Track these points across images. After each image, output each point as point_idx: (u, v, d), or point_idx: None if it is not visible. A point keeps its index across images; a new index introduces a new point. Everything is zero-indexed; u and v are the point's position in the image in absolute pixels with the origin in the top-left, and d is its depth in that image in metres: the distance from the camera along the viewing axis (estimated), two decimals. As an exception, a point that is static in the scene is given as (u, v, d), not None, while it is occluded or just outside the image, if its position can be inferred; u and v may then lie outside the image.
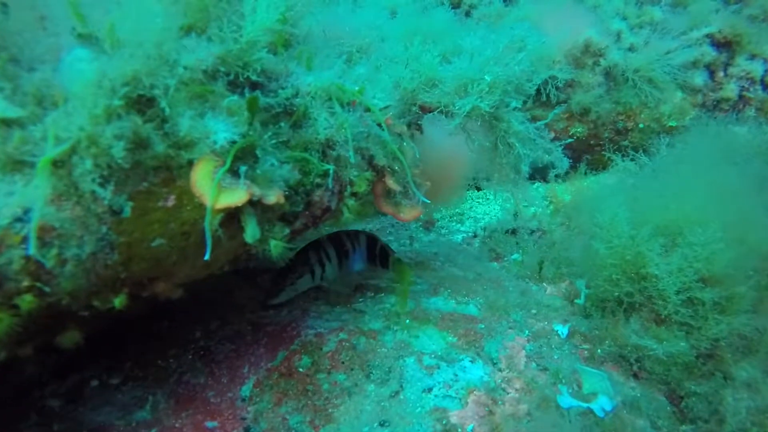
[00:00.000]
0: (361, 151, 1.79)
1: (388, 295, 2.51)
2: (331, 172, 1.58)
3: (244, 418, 1.72)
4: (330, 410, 1.74)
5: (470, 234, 4.21)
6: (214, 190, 1.16)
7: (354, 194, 1.75)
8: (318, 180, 1.56)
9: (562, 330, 2.35)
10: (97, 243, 1.08)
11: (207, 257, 1.18)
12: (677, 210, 2.22)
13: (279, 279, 2.15)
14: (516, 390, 1.89)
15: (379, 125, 1.89)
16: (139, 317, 2.09)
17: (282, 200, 1.31)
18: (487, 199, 4.86)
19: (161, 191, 1.20)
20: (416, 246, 4.09)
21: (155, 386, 1.85)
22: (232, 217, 1.27)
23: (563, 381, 1.94)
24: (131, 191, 1.15)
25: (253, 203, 1.25)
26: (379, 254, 2.49)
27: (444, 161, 3.00)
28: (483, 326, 2.21)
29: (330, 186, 1.59)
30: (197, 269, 1.34)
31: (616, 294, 2.26)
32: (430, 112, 2.43)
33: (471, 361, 1.98)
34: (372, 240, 2.48)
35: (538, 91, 4.09)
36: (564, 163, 2.31)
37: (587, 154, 4.55)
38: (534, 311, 2.55)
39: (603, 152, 4.46)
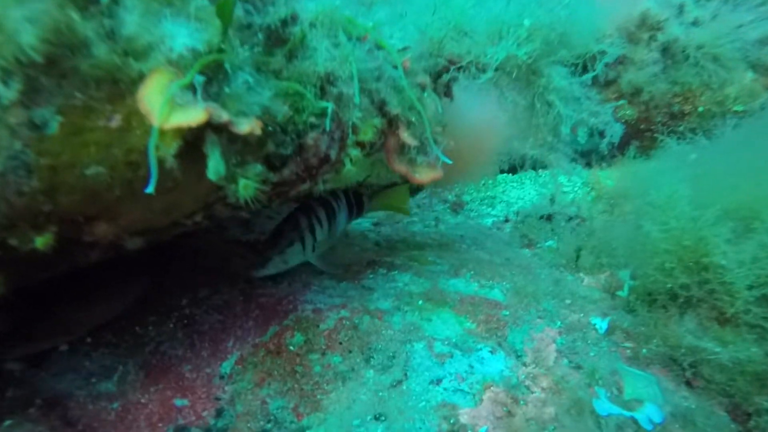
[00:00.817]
0: (370, 93, 1.50)
1: (401, 273, 2.24)
2: (329, 111, 1.30)
3: (218, 399, 1.48)
4: (319, 396, 1.48)
5: (501, 218, 3.89)
6: (164, 106, 0.90)
7: (359, 144, 1.47)
8: (313, 120, 1.29)
9: (601, 324, 2.02)
10: (6, 162, 0.85)
11: (150, 189, 0.92)
12: (752, 190, 1.85)
13: (266, 246, 1.89)
14: (542, 389, 1.59)
15: (395, 68, 1.60)
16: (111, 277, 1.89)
17: (258, 130, 1.04)
18: (522, 183, 4.50)
19: (104, 108, 0.95)
20: (441, 228, 3.79)
21: (127, 355, 1.64)
22: (193, 147, 1.01)
23: (600, 383, 1.62)
24: (61, 103, 0.91)
25: (217, 129, 0.99)
26: (355, 203, 2.21)
27: (474, 133, 2.67)
28: (508, 313, 1.90)
29: (328, 128, 1.32)
30: (154, 214, 1.10)
31: (669, 286, 1.91)
32: (459, 67, 2.12)
33: (491, 352, 1.69)
34: (347, 191, 2.18)
35: (583, 66, 3.70)
36: (617, 130, 1.97)
37: (636, 139, 4.12)
38: (568, 301, 2.23)
39: (655, 136, 4.02)
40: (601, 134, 2.13)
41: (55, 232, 0.96)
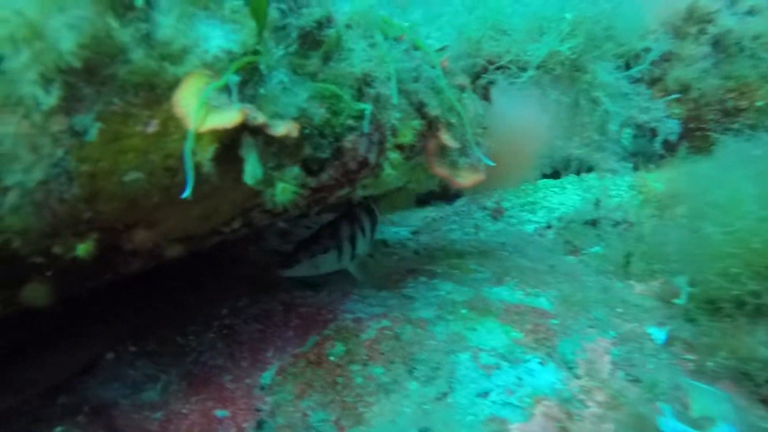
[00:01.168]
0: (408, 94, 1.46)
1: (443, 282, 2.17)
2: (367, 112, 1.27)
3: (259, 410, 1.45)
4: (361, 409, 1.43)
5: (543, 224, 3.75)
6: (199, 108, 0.88)
7: (399, 147, 1.43)
8: (350, 122, 1.26)
9: (658, 334, 1.89)
10: (49, 170, 0.84)
11: (187, 194, 0.90)
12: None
13: (298, 248, 1.84)
14: (598, 403, 1.48)
15: (433, 68, 1.56)
16: (157, 287, 1.90)
17: (295, 132, 1.01)
18: (564, 188, 4.34)
19: (141, 114, 0.94)
20: (482, 235, 3.69)
21: (170, 364, 1.63)
22: (230, 151, 0.99)
23: (663, 398, 1.50)
24: (101, 110, 0.90)
25: (254, 131, 0.97)
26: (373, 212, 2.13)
27: (514, 136, 2.59)
28: (556, 322, 1.80)
29: (366, 130, 1.28)
30: (192, 220, 1.08)
31: (736, 293, 1.77)
32: (498, 67, 2.06)
33: (540, 363, 1.59)
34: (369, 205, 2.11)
35: (626, 65, 3.55)
36: (672, 127, 1.85)
37: (685, 139, 3.91)
38: (620, 310, 2.10)
39: (707, 134, 3.79)
40: (653, 132, 2.01)
41: (95, 240, 0.95)
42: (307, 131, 1.14)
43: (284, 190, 1.02)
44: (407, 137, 1.40)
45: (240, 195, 1.12)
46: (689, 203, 2.74)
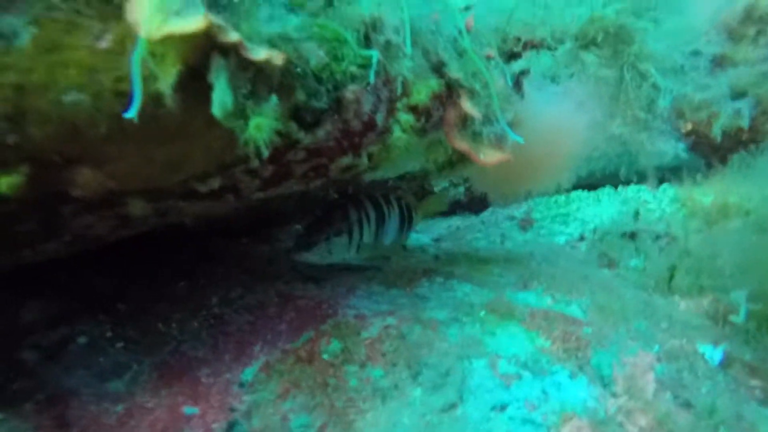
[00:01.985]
0: (425, 50, 1.27)
1: (461, 283, 1.94)
2: (374, 59, 1.08)
3: (233, 409, 1.24)
4: (352, 416, 1.21)
5: (576, 236, 3.48)
6: (153, 10, 0.71)
7: (412, 109, 1.23)
8: (354, 69, 1.07)
9: (713, 354, 1.61)
10: (-41, 73, 0.68)
11: (132, 114, 0.73)
12: None
13: (313, 230, 1.68)
14: (640, 429, 1.22)
15: (457, 30, 1.37)
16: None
17: (279, 61, 0.83)
18: (599, 200, 4.06)
19: (92, 26, 0.77)
20: (508, 245, 3.44)
21: (145, 353, 1.45)
22: (197, 79, 0.81)
23: (723, 428, 1.23)
24: (39, 14, 0.74)
25: (225, 50, 0.79)
26: (408, 216, 1.97)
27: (548, 135, 2.37)
28: (590, 331, 1.55)
29: (372, 80, 1.08)
30: (156, 167, 0.90)
31: (810, 307, 1.49)
32: (532, 47, 1.85)
33: (570, 376, 1.34)
34: (400, 201, 1.95)
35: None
36: (739, 110, 1.59)
37: (734, 152, 3.58)
38: (664, 325, 1.83)
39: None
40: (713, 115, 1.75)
41: (27, 176, 0.78)
42: (299, 70, 0.96)
43: (259, 126, 0.82)
44: (422, 96, 1.20)
45: (215, 141, 0.94)
46: (752, 214, 2.45)
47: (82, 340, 1.51)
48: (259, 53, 0.81)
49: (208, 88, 0.84)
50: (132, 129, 0.81)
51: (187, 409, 1.23)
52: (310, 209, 2.43)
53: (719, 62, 3.54)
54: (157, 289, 1.76)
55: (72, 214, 0.94)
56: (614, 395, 1.32)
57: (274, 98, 0.84)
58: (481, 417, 1.19)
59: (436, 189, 3.94)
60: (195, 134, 0.90)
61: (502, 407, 1.22)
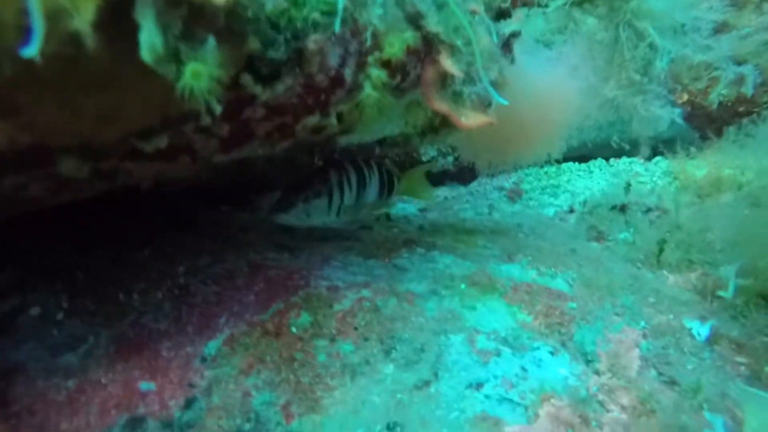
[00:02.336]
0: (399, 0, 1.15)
1: (443, 255, 1.86)
2: (339, 5, 0.96)
3: (192, 385, 1.17)
4: (319, 393, 1.14)
5: (565, 208, 3.40)
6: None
7: (385, 64, 1.12)
8: (316, 16, 0.95)
9: (700, 329, 1.55)
10: None
11: (32, 52, 0.61)
12: None
13: (291, 192, 1.60)
14: (622, 408, 1.16)
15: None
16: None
17: (221, 0, 0.71)
18: (591, 172, 3.97)
19: (-7, -54, 0.65)
20: (496, 215, 3.37)
21: (103, 325, 1.36)
22: (122, 16, 0.69)
23: (707, 406, 1.17)
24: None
25: (151, -20, 0.67)
26: (387, 182, 1.90)
27: (539, 102, 2.25)
28: (575, 306, 1.48)
29: (337, 29, 0.97)
30: (86, 120, 0.79)
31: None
32: (523, 4, 1.72)
33: (551, 352, 1.28)
34: (381, 167, 1.88)
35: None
36: (742, 74, 1.49)
37: (730, 124, 3.48)
38: (652, 299, 1.76)
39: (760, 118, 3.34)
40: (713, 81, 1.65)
41: None
42: (250, 14, 0.84)
43: (197, 73, 0.71)
44: (395, 49, 1.09)
45: (155, 92, 0.82)
46: (745, 187, 2.38)
47: (34, 311, 1.42)
48: (194, -16, 0.69)
49: (135, 28, 0.72)
50: (47, 74, 0.69)
51: (144, 385, 1.16)
52: (294, 176, 2.33)
53: (720, 29, 3.40)
54: (119, 258, 1.66)
55: (-5, 174, 0.83)
56: (597, 373, 1.25)
57: (211, 40, 0.72)
58: (455, 395, 1.12)
59: (423, 158, 3.83)
60: (128, 82, 0.78)
61: (479, 385, 1.15)
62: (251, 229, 2.09)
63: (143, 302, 1.45)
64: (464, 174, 4.12)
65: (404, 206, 3.38)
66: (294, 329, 1.31)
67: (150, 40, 0.67)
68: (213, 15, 0.74)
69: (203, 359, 1.25)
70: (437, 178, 4.04)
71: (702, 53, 1.42)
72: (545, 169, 3.91)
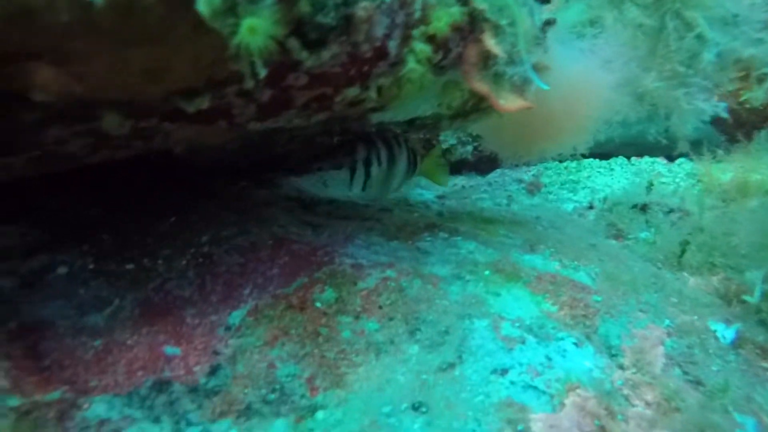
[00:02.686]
0: (451, -27, 1.12)
1: (466, 241, 1.84)
2: (392, -25, 0.93)
3: (217, 353, 1.17)
4: (343, 369, 1.13)
5: (584, 204, 3.37)
6: None
7: (430, 39, 1.09)
8: (369, -17, 0.92)
9: (725, 332, 1.53)
10: None
11: (95, -3, 0.60)
12: None
13: (309, 158, 1.58)
14: (647, 404, 1.15)
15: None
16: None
17: (280, -46, 0.69)
18: (612, 169, 3.93)
19: None
20: (514, 207, 3.34)
21: (128, 288, 1.37)
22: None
23: (734, 408, 1.15)
24: None
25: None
26: (413, 160, 1.89)
27: (569, 93, 2.21)
28: (600, 299, 1.46)
29: (388, 0, 0.94)
30: (133, 74, 0.78)
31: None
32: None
33: (576, 344, 1.26)
34: (408, 144, 1.85)
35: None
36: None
37: (760, 129, 3.40)
38: (675, 299, 1.74)
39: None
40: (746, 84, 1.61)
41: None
42: (303, -25, 0.82)
43: (253, 28, 0.70)
44: (441, 24, 1.06)
45: (204, 50, 0.81)
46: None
47: (62, 270, 1.43)
48: (258, -61, 0.67)
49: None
50: (103, 22, 0.68)
51: (168, 349, 1.16)
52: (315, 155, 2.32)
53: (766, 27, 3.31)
54: (145, 223, 1.66)
55: (37, 124, 0.82)
56: (621, 367, 1.24)
57: (282, 10, 0.71)
58: (480, 379, 1.11)
59: (443, 146, 3.80)
60: (179, 38, 0.77)
61: (503, 371, 1.14)
62: (273, 204, 2.09)
63: (168, 268, 1.46)
64: (482, 164, 4.09)
65: (422, 191, 3.36)
66: (319, 304, 1.31)
67: (209, -7, 0.66)
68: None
69: (227, 328, 1.25)
70: (455, 167, 4.01)
71: (752, 47, 1.38)
72: (566, 164, 3.87)
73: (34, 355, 1.09)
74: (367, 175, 1.61)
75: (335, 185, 1.61)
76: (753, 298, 1.76)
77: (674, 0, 1.34)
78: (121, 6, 0.67)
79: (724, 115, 1.78)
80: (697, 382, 1.25)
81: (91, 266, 1.46)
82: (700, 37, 1.29)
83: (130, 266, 1.46)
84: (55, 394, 1.03)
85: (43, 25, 0.65)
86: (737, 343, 1.50)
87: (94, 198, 1.71)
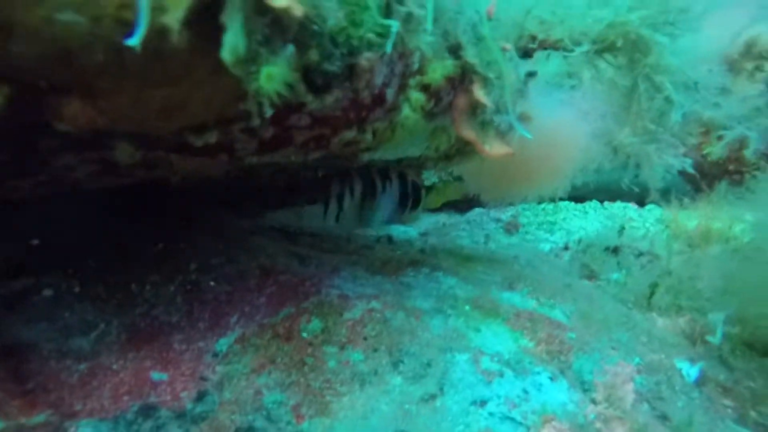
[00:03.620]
0: (444, 30, 1.22)
1: (447, 276, 1.91)
2: (393, 29, 1.02)
3: (204, 379, 1.19)
4: (328, 398, 1.16)
5: (560, 245, 3.49)
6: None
7: (425, 87, 1.18)
8: (372, 37, 1.01)
9: (689, 370, 1.61)
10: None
11: (135, 41, 0.66)
12: None
13: (285, 194, 1.64)
14: (617, 438, 1.21)
15: (477, 14, 1.32)
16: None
17: (299, 12, 0.77)
18: (586, 212, 4.09)
19: (98, -57, 0.70)
20: (492, 245, 3.43)
21: (114, 313, 1.38)
22: (209, 16, 0.75)
23: (698, 443, 1.22)
24: None
25: (243, -10, 0.73)
26: (412, 194, 1.95)
27: (549, 139, 2.36)
28: (574, 336, 1.53)
29: (389, 50, 1.03)
30: (150, 109, 0.83)
31: (791, 334, 1.50)
32: (548, 46, 1.81)
33: (551, 378, 1.32)
34: (403, 178, 1.92)
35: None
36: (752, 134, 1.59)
37: (720, 180, 3.62)
38: (644, 339, 1.83)
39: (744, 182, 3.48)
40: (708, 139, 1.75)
41: (7, 98, 0.71)
42: (316, 28, 0.90)
43: (271, 76, 0.77)
44: (437, 75, 1.16)
45: (219, 91, 0.88)
46: (732, 241, 2.49)
47: (47, 292, 1.43)
48: (280, 0, 0.75)
49: (218, 30, 0.78)
50: (132, 62, 0.74)
51: (155, 375, 1.17)
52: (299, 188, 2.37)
53: (722, 91, 3.57)
54: (133, 248, 1.68)
55: (52, 151, 0.87)
56: (594, 402, 1.30)
57: (291, 47, 0.78)
58: (460, 410, 1.16)
59: (426, 183, 3.91)
60: (198, 80, 0.83)
61: (483, 403, 1.19)
62: (259, 233, 2.13)
63: (155, 295, 1.47)
64: (462, 202, 4.20)
65: (406, 229, 3.44)
66: (305, 334, 1.34)
67: (234, 42, 0.73)
68: (290, 26, 0.80)
69: (215, 355, 1.27)
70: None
71: (711, 110, 1.52)
72: (543, 205, 4.02)
73: (18, 378, 1.09)
74: (341, 208, 1.68)
75: (309, 218, 1.67)
76: (715, 339, 1.85)
77: (645, 65, 1.47)
78: (150, 49, 0.74)
79: (690, 170, 1.93)
80: (664, 417, 1.31)
81: (76, 289, 1.46)
82: (667, 99, 1.42)
83: (116, 291, 1.47)
84: (41, 417, 1.03)
85: (79, 64, 0.71)
86: (701, 381, 1.58)
87: (82, 222, 1.72)
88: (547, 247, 3.40)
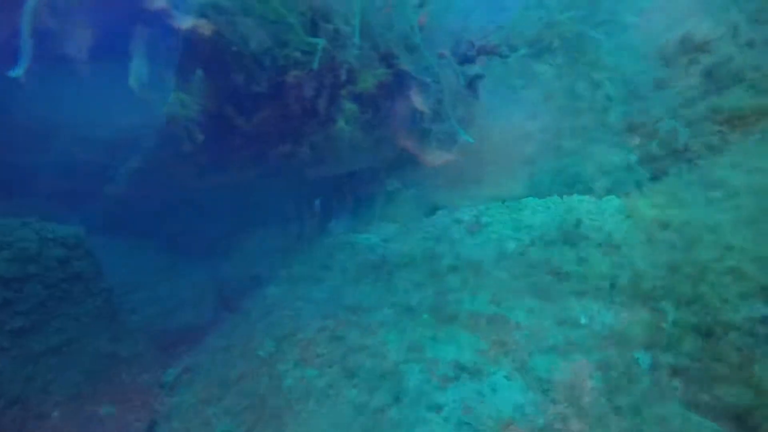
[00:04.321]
0: (374, 40, 1.22)
1: (405, 283, 1.91)
2: (319, 47, 1.02)
3: (155, 410, 1.15)
4: (284, 418, 1.14)
5: (525, 242, 3.53)
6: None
7: (357, 96, 1.18)
8: (297, 55, 1.01)
9: (644, 358, 1.65)
10: None
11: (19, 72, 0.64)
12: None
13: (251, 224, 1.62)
14: (574, 433, 1.22)
15: (409, 25, 1.33)
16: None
17: (207, 31, 0.76)
18: (547, 207, 4.15)
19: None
20: (457, 248, 3.45)
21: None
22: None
23: (646, 428, 1.24)
24: None
25: (149, 18, 0.71)
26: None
27: (503, 139, 2.40)
28: (528, 334, 1.55)
29: (315, 66, 1.03)
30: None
31: (740, 317, 1.54)
32: (486, 52, 1.85)
33: (506, 378, 1.33)
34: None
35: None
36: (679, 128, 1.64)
37: (671, 167, 3.73)
38: (604, 333, 1.86)
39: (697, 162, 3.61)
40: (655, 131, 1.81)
41: None
42: (235, 49, 0.89)
43: (184, 102, 0.75)
44: (368, 84, 1.16)
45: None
46: (686, 228, 2.57)
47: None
48: (186, 21, 0.74)
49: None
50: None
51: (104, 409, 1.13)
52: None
53: (657, 85, 3.70)
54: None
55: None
56: (553, 402, 1.31)
57: (199, 73, 0.77)
58: (416, 418, 1.15)
59: (388, 188, 3.91)
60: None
61: (438, 409, 1.18)
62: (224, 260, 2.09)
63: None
64: (425, 205, 4.21)
65: (368, 236, 3.43)
66: (261, 352, 1.32)
67: (139, 69, 0.71)
68: (201, 47, 0.79)
69: (162, 386, 1.23)
70: (398, 208, 4.11)
71: (649, 106, 1.57)
72: (506, 203, 4.06)
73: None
74: (301, 227, 1.67)
75: (270, 239, 1.65)
76: (666, 325, 1.91)
77: (583, 63, 1.51)
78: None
79: (635, 166, 1.97)
80: (619, 409, 1.34)
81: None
82: (606, 98, 1.46)
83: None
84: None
85: None
86: (654, 368, 1.62)
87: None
88: (510, 244, 3.44)
